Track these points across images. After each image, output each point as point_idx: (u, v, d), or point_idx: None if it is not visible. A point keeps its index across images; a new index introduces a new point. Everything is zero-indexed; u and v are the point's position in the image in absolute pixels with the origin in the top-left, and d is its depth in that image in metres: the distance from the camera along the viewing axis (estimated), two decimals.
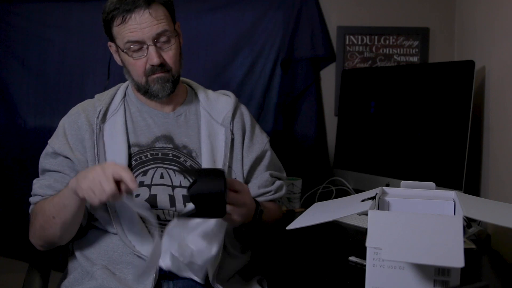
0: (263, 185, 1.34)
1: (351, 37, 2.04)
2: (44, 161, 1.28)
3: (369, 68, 2.00)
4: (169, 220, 1.19)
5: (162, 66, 1.23)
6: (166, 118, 1.31)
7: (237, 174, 1.30)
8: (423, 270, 0.89)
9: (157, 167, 1.25)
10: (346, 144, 1.91)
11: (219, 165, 1.27)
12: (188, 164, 1.27)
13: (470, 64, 1.47)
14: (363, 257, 0.93)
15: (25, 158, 1.98)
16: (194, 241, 1.14)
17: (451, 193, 1.04)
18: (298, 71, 2.01)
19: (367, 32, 2.03)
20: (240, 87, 2.02)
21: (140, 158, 1.26)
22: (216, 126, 1.32)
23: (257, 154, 1.35)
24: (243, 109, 1.40)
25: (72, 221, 1.16)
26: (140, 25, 1.19)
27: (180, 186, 1.24)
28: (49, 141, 1.29)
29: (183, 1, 2.06)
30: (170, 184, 1.24)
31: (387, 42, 2.03)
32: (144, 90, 1.27)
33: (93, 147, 1.24)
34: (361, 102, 1.84)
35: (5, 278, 2.09)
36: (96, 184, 1.01)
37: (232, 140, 1.32)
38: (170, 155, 1.27)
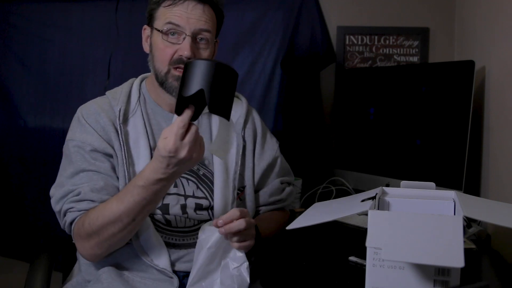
0: (274, 194, 1.35)
1: (351, 37, 2.04)
2: (80, 160, 1.17)
3: (369, 68, 2.00)
4: (182, 227, 1.20)
5: None
6: None
7: (248, 182, 1.29)
8: (423, 270, 0.89)
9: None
10: (346, 144, 1.91)
11: (231, 173, 1.26)
12: (201, 172, 1.25)
13: (470, 64, 1.47)
14: (363, 257, 0.93)
15: (25, 158, 1.98)
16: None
17: (451, 193, 1.04)
18: (298, 71, 2.01)
19: (367, 32, 2.03)
20: (240, 87, 2.02)
21: None
22: None
23: (268, 162, 1.34)
24: (255, 114, 1.39)
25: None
26: (188, 14, 1.16)
27: (193, 196, 1.22)
28: (77, 137, 1.18)
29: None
30: (183, 193, 1.22)
31: (387, 42, 2.03)
32: (161, 81, 1.20)
33: (121, 149, 1.18)
34: (361, 102, 1.84)
35: (5, 278, 2.09)
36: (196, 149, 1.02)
37: (244, 147, 1.30)
38: None
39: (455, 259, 0.77)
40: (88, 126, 1.19)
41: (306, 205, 1.71)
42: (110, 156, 1.17)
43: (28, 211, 2.04)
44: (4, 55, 2.00)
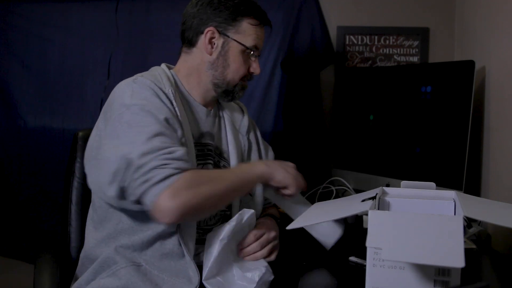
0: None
1: (351, 37, 2.04)
2: (155, 123, 1.08)
3: (369, 68, 2.00)
4: (205, 226, 1.23)
5: (251, 77, 1.31)
6: (208, 115, 1.30)
7: None
8: (423, 270, 0.89)
9: (203, 164, 1.25)
10: (346, 144, 1.91)
11: None
12: (221, 164, 1.30)
13: (470, 64, 1.47)
14: (363, 257, 0.93)
15: (25, 158, 1.98)
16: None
17: (451, 193, 1.04)
18: (298, 71, 2.01)
19: (367, 32, 2.03)
20: None
21: (197, 150, 1.23)
22: (235, 131, 1.37)
23: (273, 158, 1.44)
24: (255, 124, 1.48)
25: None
26: (262, 35, 1.27)
27: None
28: (147, 104, 1.10)
29: (184, 1, 2.07)
30: None
31: (387, 42, 2.03)
32: (226, 90, 1.26)
33: (180, 128, 1.14)
34: (361, 101, 1.84)
35: (5, 278, 2.09)
36: (297, 177, 1.23)
37: (249, 148, 1.40)
38: (212, 152, 1.28)
39: (456, 259, 0.77)
40: (156, 96, 1.13)
41: None
42: (176, 130, 1.12)
43: (28, 211, 2.04)
44: (4, 55, 2.00)
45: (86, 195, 1.33)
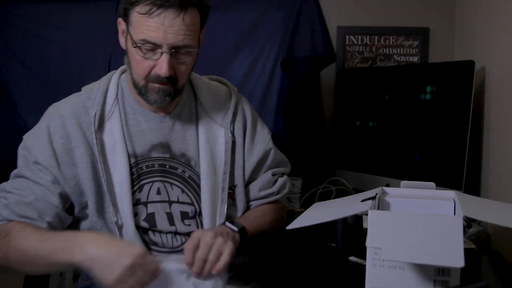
0: (264, 187, 1.27)
1: (351, 37, 2.04)
2: (22, 166, 1.12)
3: (369, 68, 2.00)
4: (170, 248, 1.14)
5: (169, 78, 1.07)
6: (162, 121, 1.17)
7: (239, 181, 1.22)
8: (423, 270, 0.89)
9: (153, 182, 1.15)
10: (346, 144, 1.91)
11: (220, 173, 1.17)
12: (186, 175, 1.17)
13: (470, 64, 1.47)
14: (363, 257, 0.93)
15: None
16: None
17: (451, 193, 1.04)
18: (298, 71, 2.01)
19: (367, 32, 2.03)
20: (240, 87, 2.01)
21: (137, 171, 1.14)
22: (215, 128, 1.21)
23: (259, 156, 1.26)
24: (245, 103, 1.30)
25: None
26: (165, 28, 1.01)
27: (178, 202, 1.16)
28: (28, 142, 1.12)
29: None
30: (167, 199, 1.15)
31: (387, 42, 2.03)
32: (139, 92, 1.12)
33: (90, 164, 1.10)
34: (361, 101, 1.84)
35: (5, 278, 2.09)
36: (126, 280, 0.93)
37: (233, 143, 1.22)
38: (167, 166, 1.16)
39: (455, 259, 0.77)
40: (46, 134, 1.11)
41: (306, 205, 1.71)
42: (52, 174, 1.09)
43: None
44: (4, 55, 2.00)
45: None
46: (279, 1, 2.00)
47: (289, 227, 1.00)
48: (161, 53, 1.04)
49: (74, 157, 1.10)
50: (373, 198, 1.02)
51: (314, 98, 2.02)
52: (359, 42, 2.04)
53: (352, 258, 1.20)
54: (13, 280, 1.37)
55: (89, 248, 0.96)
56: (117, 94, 1.17)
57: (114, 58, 2.01)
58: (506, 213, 1.00)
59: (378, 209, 0.99)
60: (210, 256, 1.03)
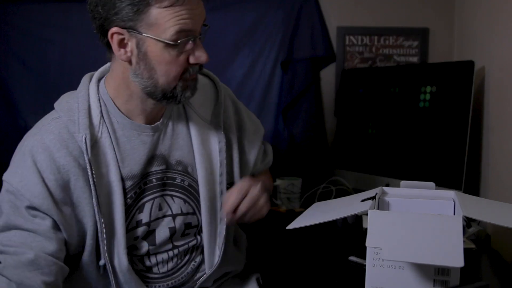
0: (259, 160, 1.27)
1: (351, 37, 2.04)
2: (14, 213, 0.93)
3: (369, 68, 2.00)
4: (165, 272, 1.10)
5: (201, 65, 1.00)
6: (155, 131, 1.07)
7: (237, 178, 1.17)
8: (423, 270, 0.89)
9: (154, 198, 1.07)
10: (346, 144, 1.91)
11: (217, 176, 1.12)
12: (186, 183, 1.11)
13: (470, 64, 1.47)
14: (363, 256, 0.93)
15: None
16: None
17: (451, 193, 1.04)
18: (298, 71, 2.01)
19: (367, 33, 2.03)
20: (240, 87, 2.03)
21: (135, 193, 1.05)
22: (206, 127, 1.12)
23: (255, 155, 1.23)
24: (228, 94, 1.20)
25: None
26: (193, 11, 0.93)
27: (181, 214, 1.10)
28: (14, 184, 0.94)
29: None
30: (170, 213, 1.09)
31: (387, 42, 2.03)
32: (163, 96, 0.99)
33: (90, 196, 0.98)
34: (361, 102, 1.84)
35: None
36: None
37: (227, 140, 1.15)
38: (165, 178, 1.09)
39: (455, 259, 0.77)
40: (35, 172, 0.95)
41: (306, 205, 1.71)
42: (52, 218, 0.95)
43: None
44: (4, 55, 2.00)
45: None
46: (279, 1, 2.01)
47: (289, 227, 1.00)
48: (193, 40, 0.96)
49: (70, 194, 0.97)
50: (373, 198, 1.03)
51: (314, 98, 2.02)
52: (359, 43, 2.04)
53: (352, 258, 1.20)
54: None
55: None
56: (101, 111, 1.02)
57: None
58: (505, 213, 1.00)
59: (378, 209, 0.99)
60: (251, 212, 1.05)
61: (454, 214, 1.00)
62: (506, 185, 1.35)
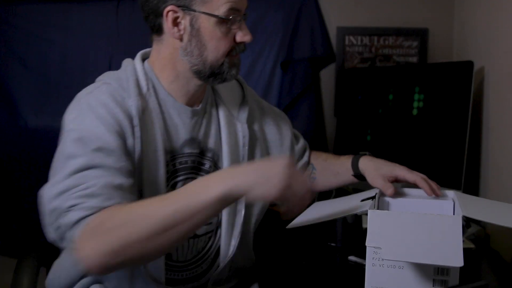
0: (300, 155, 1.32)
1: (351, 37, 2.04)
2: (87, 153, 0.92)
3: (368, 68, 2.01)
4: (183, 262, 1.11)
5: (244, 46, 1.07)
6: (194, 115, 1.10)
7: None
8: (423, 269, 0.89)
9: (185, 179, 1.09)
10: (345, 144, 1.91)
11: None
12: (212, 170, 1.12)
13: (469, 64, 1.47)
14: (363, 256, 0.94)
15: (25, 158, 1.98)
16: None
17: (451, 193, 1.05)
18: (298, 71, 2.01)
19: (366, 33, 2.03)
20: None
21: (172, 167, 1.07)
22: (233, 121, 1.17)
23: (289, 144, 1.27)
24: (252, 92, 1.28)
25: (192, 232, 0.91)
26: None
27: None
28: (80, 132, 0.95)
29: None
30: None
31: (387, 42, 2.03)
32: (211, 73, 1.05)
33: (136, 159, 0.99)
34: (361, 101, 1.85)
35: (5, 278, 2.09)
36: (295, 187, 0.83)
37: (252, 140, 1.18)
38: (197, 162, 1.11)
39: (454, 259, 0.77)
40: (101, 117, 0.96)
41: None
42: (128, 154, 0.97)
43: (28, 212, 2.04)
44: (4, 55, 2.00)
45: None
46: (279, 1, 2.00)
47: (289, 226, 1.01)
48: (239, 21, 1.03)
49: (128, 147, 0.98)
50: (373, 198, 1.03)
51: (314, 98, 2.02)
52: (359, 43, 2.04)
53: (352, 258, 1.20)
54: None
55: (230, 173, 0.88)
56: (147, 84, 1.07)
57: (115, 58, 2.01)
58: (505, 213, 1.00)
59: (377, 208, 0.99)
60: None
61: (453, 214, 1.00)
62: (506, 185, 1.35)
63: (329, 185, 1.30)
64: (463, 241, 1.10)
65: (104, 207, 0.86)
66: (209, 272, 1.16)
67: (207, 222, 1.11)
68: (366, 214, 0.92)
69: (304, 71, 2.01)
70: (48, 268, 1.37)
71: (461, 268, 0.80)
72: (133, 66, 1.08)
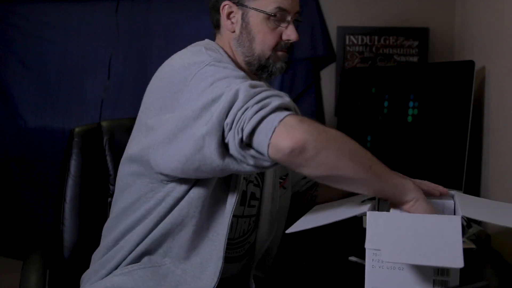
0: None
1: (351, 37, 2.04)
2: (233, 78, 0.96)
3: (369, 68, 2.00)
4: (230, 239, 1.14)
5: (291, 46, 1.18)
6: None
7: (290, 170, 1.28)
8: (423, 270, 0.89)
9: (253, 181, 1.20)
10: None
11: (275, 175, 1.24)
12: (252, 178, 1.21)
13: (470, 64, 1.47)
14: (363, 256, 0.93)
15: (25, 158, 1.98)
16: None
17: (451, 193, 1.04)
18: (299, 71, 2.01)
19: (367, 32, 2.03)
20: None
21: None
22: None
23: None
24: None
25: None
26: None
27: (252, 182, 1.19)
28: (208, 65, 0.99)
29: (183, 1, 2.07)
30: (247, 177, 1.17)
31: (387, 42, 2.03)
32: (259, 66, 1.17)
33: None
34: (361, 101, 1.84)
35: (5, 278, 2.09)
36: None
37: None
38: None
39: (455, 260, 0.77)
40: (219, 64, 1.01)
41: None
42: None
43: (28, 212, 2.05)
44: (4, 55, 2.01)
45: (81, 193, 1.31)
46: None
47: (288, 230, 1.00)
48: (288, 21, 1.15)
49: None
50: (373, 198, 1.03)
51: (314, 98, 2.02)
52: (359, 42, 2.04)
53: (352, 258, 1.20)
54: (13, 279, 1.37)
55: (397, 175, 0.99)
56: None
57: (115, 58, 2.01)
58: (506, 213, 1.00)
59: (378, 210, 0.99)
60: None
61: (454, 214, 1.00)
62: (507, 185, 1.35)
63: (332, 197, 1.33)
64: (464, 241, 1.10)
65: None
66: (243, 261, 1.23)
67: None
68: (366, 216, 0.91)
69: (305, 71, 2.01)
70: (51, 268, 1.37)
71: (461, 268, 0.80)
72: (216, 44, 1.18)
